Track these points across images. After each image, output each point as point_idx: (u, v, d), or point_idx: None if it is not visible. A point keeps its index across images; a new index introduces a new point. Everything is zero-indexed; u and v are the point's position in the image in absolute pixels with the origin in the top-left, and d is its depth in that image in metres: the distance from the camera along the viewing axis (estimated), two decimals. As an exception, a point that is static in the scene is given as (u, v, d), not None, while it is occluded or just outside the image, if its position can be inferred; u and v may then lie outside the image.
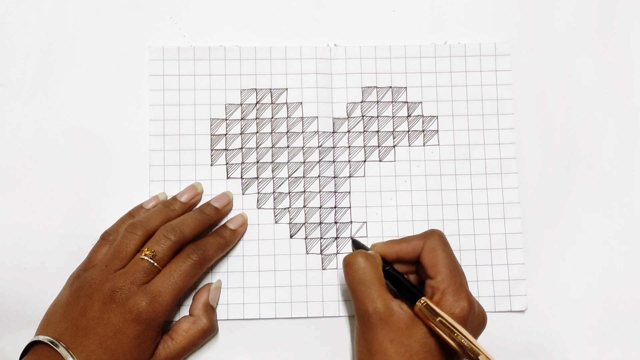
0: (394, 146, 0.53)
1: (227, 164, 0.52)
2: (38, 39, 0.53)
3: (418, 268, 0.47)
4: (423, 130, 0.53)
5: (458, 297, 0.43)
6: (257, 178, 0.52)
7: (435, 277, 0.44)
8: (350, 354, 0.50)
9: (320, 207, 0.52)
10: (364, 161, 0.53)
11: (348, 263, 0.46)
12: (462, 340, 0.41)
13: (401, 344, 0.42)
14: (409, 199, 0.52)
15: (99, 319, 0.43)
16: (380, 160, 0.53)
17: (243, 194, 0.52)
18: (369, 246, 0.49)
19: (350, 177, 0.53)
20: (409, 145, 0.53)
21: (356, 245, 0.50)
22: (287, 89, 0.53)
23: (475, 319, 0.44)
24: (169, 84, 0.53)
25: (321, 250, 0.52)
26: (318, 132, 0.53)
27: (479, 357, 0.41)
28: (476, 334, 0.45)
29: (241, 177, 0.52)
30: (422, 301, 0.43)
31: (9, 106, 0.52)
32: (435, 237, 0.46)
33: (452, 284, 0.44)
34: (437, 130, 0.53)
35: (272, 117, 0.53)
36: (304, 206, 0.52)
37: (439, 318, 0.42)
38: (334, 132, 0.53)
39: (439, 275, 0.44)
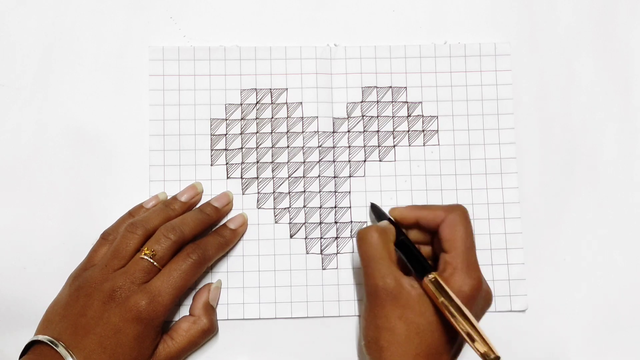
0: (394, 146, 0.53)
1: (227, 164, 0.52)
2: (38, 39, 0.53)
3: (434, 240, 0.47)
4: (423, 130, 0.53)
5: (470, 275, 0.43)
6: (257, 178, 0.52)
7: (450, 251, 0.44)
8: (359, 354, 0.50)
9: (320, 207, 0.52)
10: (364, 161, 0.53)
11: (361, 237, 0.46)
12: (462, 324, 0.41)
13: (409, 320, 0.43)
14: (409, 198, 0.52)
15: (98, 318, 0.43)
16: (380, 160, 0.53)
17: (243, 194, 0.52)
18: (386, 211, 0.49)
19: (350, 177, 0.53)
20: (409, 145, 0.53)
21: (374, 210, 0.50)
22: (287, 89, 0.53)
23: (482, 299, 0.44)
24: (169, 84, 0.53)
25: (321, 250, 0.52)
26: (318, 132, 0.53)
27: (476, 344, 0.41)
28: (481, 313, 0.45)
29: (241, 177, 0.52)
30: (430, 277, 0.43)
31: (9, 106, 0.52)
32: (459, 212, 0.45)
33: (466, 261, 0.44)
34: (437, 130, 0.53)
35: (272, 117, 0.53)
36: (304, 206, 0.52)
37: (442, 299, 0.42)
38: (334, 132, 0.53)
39: (455, 250, 0.44)
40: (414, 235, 0.48)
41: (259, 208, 0.52)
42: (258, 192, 0.52)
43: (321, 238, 0.52)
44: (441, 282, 0.43)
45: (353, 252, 0.51)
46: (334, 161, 0.53)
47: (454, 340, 0.44)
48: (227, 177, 0.52)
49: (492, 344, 0.40)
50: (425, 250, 0.48)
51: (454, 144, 0.53)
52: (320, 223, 0.52)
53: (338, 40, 0.54)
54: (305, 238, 0.52)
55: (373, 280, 0.44)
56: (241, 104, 0.53)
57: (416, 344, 0.42)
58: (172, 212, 0.49)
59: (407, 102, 0.54)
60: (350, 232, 0.52)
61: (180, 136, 0.52)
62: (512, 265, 0.52)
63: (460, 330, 0.41)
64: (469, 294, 0.43)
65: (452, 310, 0.41)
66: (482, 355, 0.40)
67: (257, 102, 0.53)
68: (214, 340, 0.50)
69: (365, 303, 0.46)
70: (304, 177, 0.52)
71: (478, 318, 0.45)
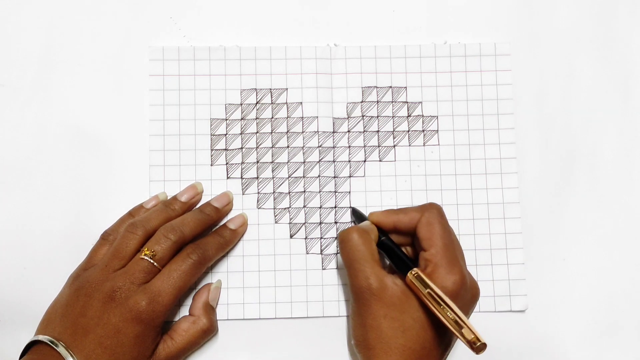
0: (394, 146, 0.53)
1: (227, 164, 0.52)
2: (38, 39, 0.53)
3: (414, 240, 0.48)
4: (423, 130, 0.53)
5: (450, 270, 0.44)
6: (257, 178, 0.52)
7: (430, 249, 0.45)
8: (350, 354, 0.50)
9: (320, 207, 0.52)
10: (364, 161, 0.53)
11: (343, 239, 0.46)
12: (448, 313, 0.41)
13: (394, 319, 0.43)
14: (409, 198, 0.52)
15: (98, 318, 0.43)
16: (380, 160, 0.53)
17: (243, 194, 0.52)
18: (367, 214, 0.49)
19: (350, 177, 0.53)
20: (409, 145, 0.53)
21: (355, 214, 0.50)
22: (287, 89, 0.53)
23: (467, 293, 0.44)
24: (169, 84, 0.53)
25: (321, 250, 0.52)
26: (318, 132, 0.53)
27: (463, 331, 0.41)
28: (468, 308, 0.45)
29: (241, 177, 0.52)
30: (413, 272, 0.44)
31: (9, 106, 0.52)
32: (433, 210, 0.46)
33: (446, 257, 0.44)
34: (437, 130, 0.53)
35: (272, 117, 0.53)
36: (304, 206, 0.52)
37: (428, 290, 0.42)
38: (334, 132, 0.53)
39: (433, 247, 0.45)
40: (394, 238, 0.48)
41: (259, 208, 0.52)
42: (258, 192, 0.52)
43: (321, 238, 0.52)
44: (423, 276, 0.43)
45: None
46: (334, 161, 0.53)
47: (442, 337, 0.44)
48: (227, 177, 0.52)
49: (478, 332, 0.41)
50: (407, 251, 0.49)
51: (454, 144, 0.53)
52: (321, 223, 0.52)
53: (338, 40, 0.54)
54: (305, 238, 0.52)
55: (357, 281, 0.45)
56: (241, 104, 0.53)
57: (402, 342, 0.43)
58: (172, 212, 0.49)
59: (407, 102, 0.54)
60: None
61: (180, 136, 0.52)
62: (512, 265, 0.52)
63: (445, 320, 0.41)
64: (452, 289, 0.43)
65: (438, 300, 0.42)
66: (469, 342, 0.41)
67: (257, 102, 0.53)
68: (214, 340, 0.50)
69: (351, 303, 0.46)
70: (304, 177, 0.52)
71: (465, 313, 0.45)
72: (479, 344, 0.40)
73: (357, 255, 0.45)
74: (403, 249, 0.48)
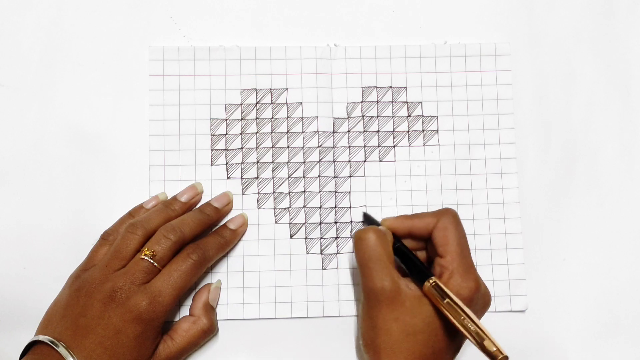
0: (394, 146, 0.53)
1: (227, 164, 0.52)
2: (38, 39, 0.53)
3: (428, 245, 0.47)
4: (423, 130, 0.53)
5: (466, 277, 0.43)
6: (257, 178, 0.52)
7: (445, 256, 0.44)
8: (357, 352, 0.51)
9: (320, 207, 0.52)
10: (364, 161, 0.53)
11: (359, 238, 0.46)
12: (469, 324, 0.41)
13: (406, 322, 0.43)
14: (409, 199, 0.52)
15: (99, 318, 0.43)
16: (380, 160, 0.53)
17: (243, 194, 0.52)
18: (379, 220, 0.49)
19: (350, 177, 0.53)
20: (409, 145, 0.53)
21: (367, 219, 0.50)
22: (287, 89, 0.53)
23: (480, 300, 0.44)
24: (169, 84, 0.53)
25: (321, 250, 0.52)
26: (318, 132, 0.53)
27: (484, 342, 0.40)
28: (480, 315, 0.45)
29: (241, 177, 0.52)
30: (431, 281, 0.43)
31: (9, 106, 0.52)
32: (449, 215, 0.46)
33: (462, 264, 0.44)
34: (437, 130, 0.53)
35: (272, 117, 0.53)
36: (304, 206, 0.52)
37: (447, 300, 0.42)
38: (334, 132, 0.53)
39: (449, 254, 0.44)
40: (407, 243, 0.48)
41: (259, 208, 0.52)
42: (258, 192, 0.52)
43: (321, 238, 0.52)
44: (442, 285, 0.43)
45: (353, 252, 0.51)
46: (334, 161, 0.53)
47: (452, 342, 0.44)
48: (227, 177, 0.52)
49: (500, 345, 0.40)
50: (421, 255, 0.48)
51: (454, 144, 0.53)
52: (320, 223, 0.52)
53: (338, 40, 0.54)
54: (305, 238, 0.52)
55: (370, 282, 0.44)
56: (241, 104, 0.53)
57: (411, 345, 0.43)
58: (172, 212, 0.49)
59: (407, 102, 0.54)
60: (350, 232, 0.52)
61: (180, 136, 0.52)
62: (512, 265, 0.52)
63: (465, 331, 0.41)
64: (467, 296, 0.43)
65: (459, 311, 0.42)
66: (491, 354, 0.40)
67: (257, 102, 0.53)
68: (214, 340, 0.50)
69: (362, 303, 0.46)
70: (304, 177, 0.52)
71: None
72: (501, 357, 0.40)
73: (372, 255, 0.45)
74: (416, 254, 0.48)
